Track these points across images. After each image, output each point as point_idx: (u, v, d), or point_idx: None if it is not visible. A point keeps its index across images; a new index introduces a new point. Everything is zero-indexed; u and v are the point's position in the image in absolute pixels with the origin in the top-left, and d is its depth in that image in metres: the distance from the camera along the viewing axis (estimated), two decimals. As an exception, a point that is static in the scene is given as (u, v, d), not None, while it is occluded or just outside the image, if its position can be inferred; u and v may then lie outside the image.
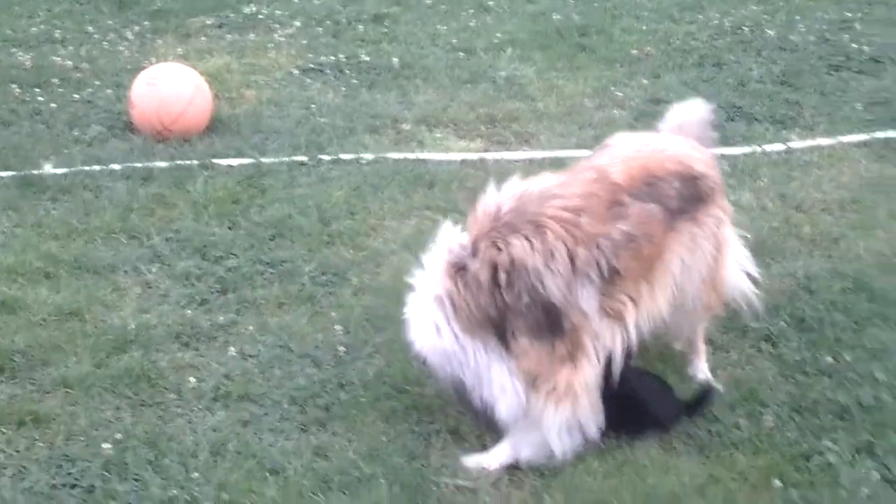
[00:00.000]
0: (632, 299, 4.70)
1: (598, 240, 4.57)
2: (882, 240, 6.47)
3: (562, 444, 4.63)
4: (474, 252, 4.54)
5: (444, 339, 4.54)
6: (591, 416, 4.66)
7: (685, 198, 4.87)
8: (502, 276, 4.48)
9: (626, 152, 4.95)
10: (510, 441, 4.68)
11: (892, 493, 4.48)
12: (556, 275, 4.47)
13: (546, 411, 4.58)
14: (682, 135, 5.22)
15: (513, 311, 4.49)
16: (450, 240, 4.63)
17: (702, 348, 5.30)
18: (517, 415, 4.59)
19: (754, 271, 5.38)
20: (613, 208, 4.65)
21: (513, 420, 4.60)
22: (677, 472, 4.59)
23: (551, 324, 4.51)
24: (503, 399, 4.56)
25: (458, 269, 4.54)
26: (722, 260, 5.14)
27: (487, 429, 4.72)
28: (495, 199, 4.66)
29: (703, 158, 5.07)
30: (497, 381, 4.55)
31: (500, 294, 4.49)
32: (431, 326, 4.56)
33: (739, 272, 5.31)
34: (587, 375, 4.61)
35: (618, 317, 4.67)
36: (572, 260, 4.51)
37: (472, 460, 4.65)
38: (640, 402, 4.84)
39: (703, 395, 4.96)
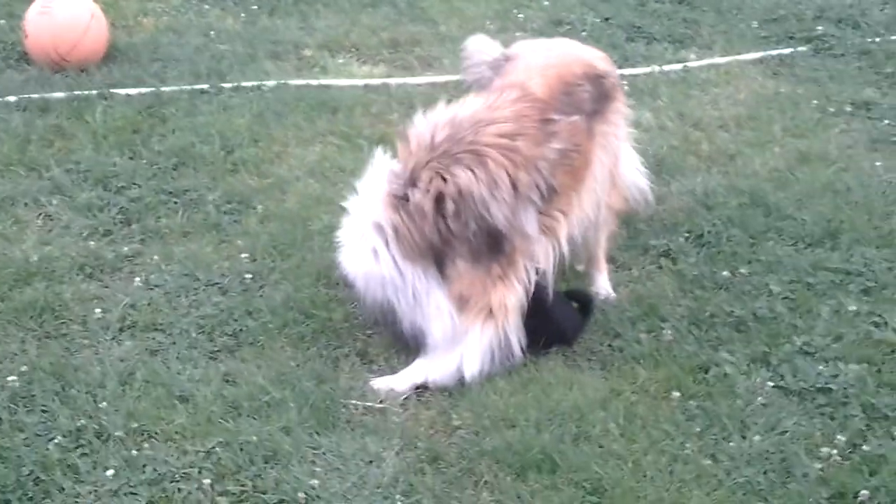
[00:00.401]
0: (563, 213, 4.86)
1: (537, 162, 4.70)
2: (777, 155, 6.63)
3: (482, 365, 4.73)
4: (414, 182, 4.62)
5: (381, 265, 4.64)
6: (516, 334, 4.78)
7: (595, 98, 5.04)
8: (450, 206, 4.59)
9: (537, 62, 5.05)
10: (423, 362, 4.76)
11: (785, 401, 4.63)
12: (501, 202, 4.61)
13: (473, 330, 4.70)
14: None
15: (458, 238, 4.62)
16: (385, 169, 4.70)
17: (604, 264, 5.41)
18: (448, 337, 4.69)
19: (642, 167, 5.61)
20: (545, 127, 4.77)
21: (443, 342, 4.70)
22: (580, 387, 4.71)
23: (493, 248, 4.65)
24: (438, 322, 4.68)
25: (400, 199, 4.62)
26: (621, 156, 5.33)
27: (409, 350, 4.81)
28: (427, 127, 4.72)
29: (601, 56, 5.28)
30: (433, 304, 4.67)
31: (444, 223, 4.60)
32: (368, 252, 4.66)
33: (633, 167, 5.50)
34: (518, 295, 4.75)
35: (551, 232, 4.85)
36: (514, 186, 4.64)
37: (382, 382, 4.72)
38: (549, 315, 4.95)
39: (587, 303, 5.09)
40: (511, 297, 4.75)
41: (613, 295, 5.34)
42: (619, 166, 5.33)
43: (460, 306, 4.70)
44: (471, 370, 4.72)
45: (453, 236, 4.62)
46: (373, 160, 4.80)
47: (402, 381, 4.71)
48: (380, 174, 4.73)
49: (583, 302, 5.11)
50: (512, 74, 5.02)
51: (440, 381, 4.72)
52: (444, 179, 4.60)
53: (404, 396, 4.65)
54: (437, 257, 4.66)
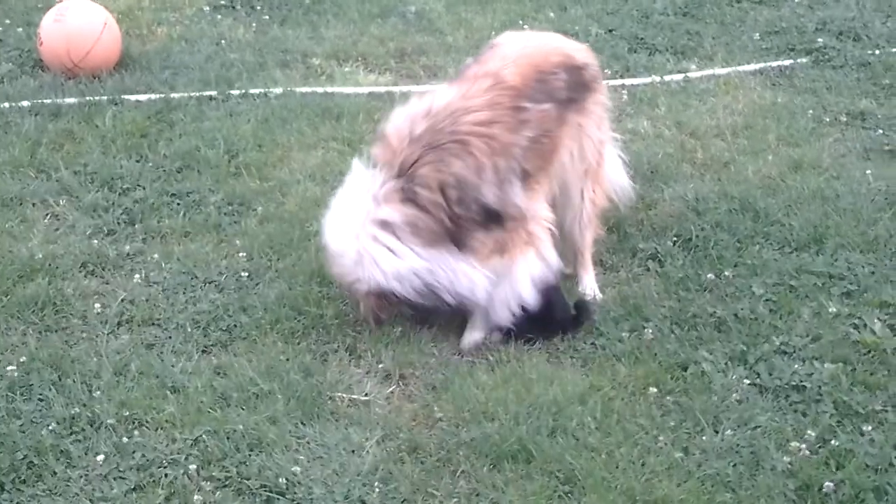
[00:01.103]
0: (539, 184, 5.14)
1: (511, 149, 4.96)
2: (770, 163, 6.73)
3: (533, 285, 5.04)
4: (410, 177, 4.84)
5: (404, 260, 4.86)
6: (552, 253, 5.14)
7: (572, 87, 5.25)
8: (453, 194, 4.86)
9: (513, 51, 5.25)
10: (481, 315, 5.10)
11: (759, 397, 4.75)
12: (489, 184, 4.90)
13: (517, 260, 5.02)
14: None
15: (466, 219, 4.90)
16: (367, 174, 4.95)
17: (590, 264, 5.55)
18: (489, 294, 4.99)
19: (626, 169, 5.83)
20: (517, 115, 4.99)
21: (488, 299, 5.00)
22: (561, 382, 4.84)
23: (497, 221, 4.95)
24: (477, 288, 4.95)
25: (406, 193, 4.86)
26: (604, 152, 5.53)
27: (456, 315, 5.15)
28: (404, 122, 4.96)
29: (582, 49, 5.50)
30: (465, 275, 4.93)
31: (451, 209, 4.87)
32: (383, 254, 4.86)
33: (618, 166, 5.72)
34: (544, 228, 5.13)
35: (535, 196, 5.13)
36: (496, 169, 4.91)
37: (467, 340, 5.10)
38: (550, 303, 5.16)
39: (583, 309, 5.23)
40: (537, 229, 5.07)
41: (599, 295, 5.46)
42: (603, 163, 5.51)
43: (498, 253, 4.98)
44: (527, 294, 5.03)
45: (462, 219, 4.89)
46: (350, 169, 5.04)
47: (471, 337, 5.12)
48: (363, 179, 4.94)
49: (581, 310, 5.26)
50: (488, 63, 5.21)
51: (502, 318, 5.06)
52: (441, 171, 4.83)
53: (390, 388, 4.81)
54: (453, 238, 4.91)
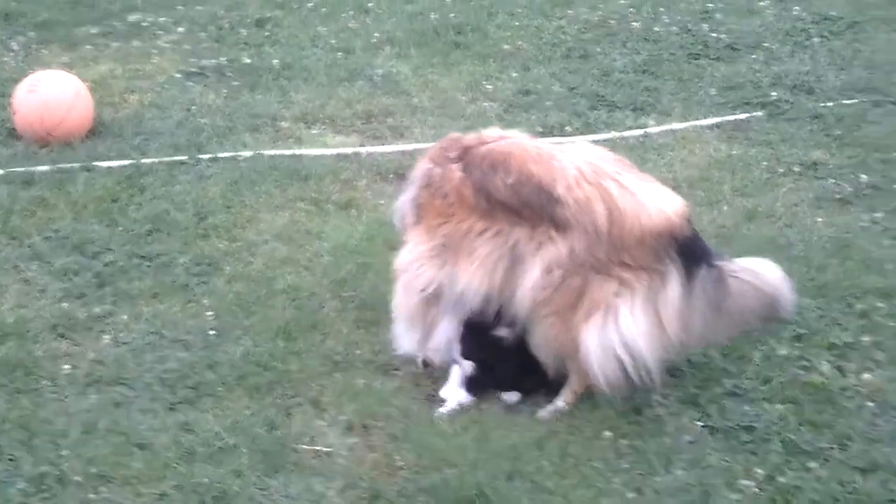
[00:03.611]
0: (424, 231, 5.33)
1: (423, 173, 5.42)
2: (725, 213, 6.93)
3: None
4: None
5: None
6: None
7: (524, 202, 5.00)
8: None
9: (526, 142, 5.30)
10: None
11: (710, 438, 4.92)
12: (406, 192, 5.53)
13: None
14: None
15: None
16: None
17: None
18: None
19: (637, 364, 4.99)
20: (445, 159, 5.32)
21: None
22: (519, 428, 4.99)
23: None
24: None
25: None
26: (573, 307, 4.99)
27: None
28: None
29: (576, 187, 4.96)
30: None
31: None
32: None
33: (610, 350, 4.96)
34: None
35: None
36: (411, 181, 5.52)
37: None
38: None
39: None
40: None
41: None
42: (571, 318, 5.00)
43: None
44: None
45: None
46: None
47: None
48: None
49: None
50: (522, 137, 5.38)
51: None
52: None
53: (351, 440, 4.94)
54: None
